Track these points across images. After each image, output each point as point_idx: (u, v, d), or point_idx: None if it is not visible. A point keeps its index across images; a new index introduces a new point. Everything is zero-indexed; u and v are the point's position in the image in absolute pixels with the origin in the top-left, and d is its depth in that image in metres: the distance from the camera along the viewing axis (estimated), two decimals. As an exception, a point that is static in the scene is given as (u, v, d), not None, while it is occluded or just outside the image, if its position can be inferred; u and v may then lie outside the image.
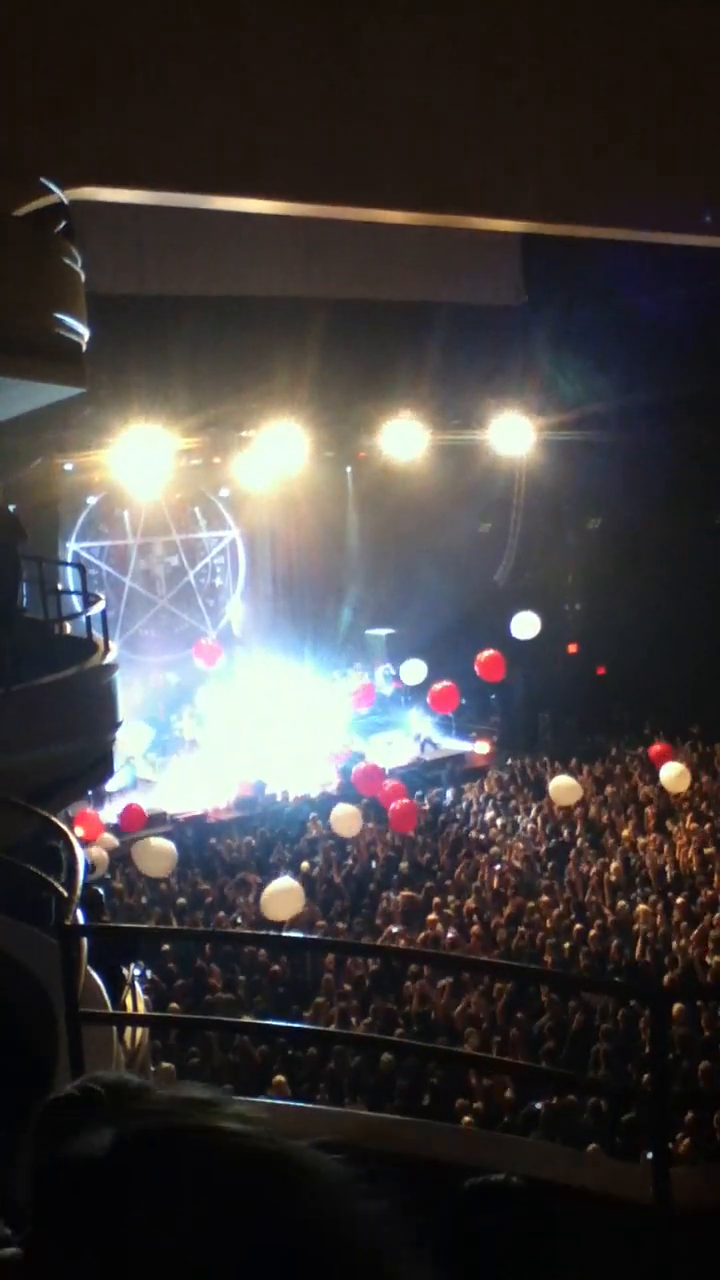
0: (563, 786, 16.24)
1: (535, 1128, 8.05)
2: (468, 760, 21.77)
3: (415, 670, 21.20)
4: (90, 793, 16.06)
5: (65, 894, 4.67)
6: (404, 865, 14.93)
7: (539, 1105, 8.36)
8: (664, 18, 9.12)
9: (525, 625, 20.04)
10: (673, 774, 16.02)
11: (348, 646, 24.35)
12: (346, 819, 15.22)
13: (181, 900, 13.57)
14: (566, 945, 11.79)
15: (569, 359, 23.81)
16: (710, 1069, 8.48)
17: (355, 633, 24.58)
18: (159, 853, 13.55)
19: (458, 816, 17.66)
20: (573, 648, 24.20)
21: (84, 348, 9.08)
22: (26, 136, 8.84)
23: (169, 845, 13.88)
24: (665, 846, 15.13)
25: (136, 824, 16.03)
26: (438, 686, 19.65)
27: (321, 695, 22.14)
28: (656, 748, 18.10)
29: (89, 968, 4.73)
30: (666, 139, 10.41)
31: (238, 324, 19.79)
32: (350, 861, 15.29)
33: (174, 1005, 10.27)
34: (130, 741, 17.71)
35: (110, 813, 17.95)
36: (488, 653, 19.66)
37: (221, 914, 13.10)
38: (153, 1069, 7.78)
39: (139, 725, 18.14)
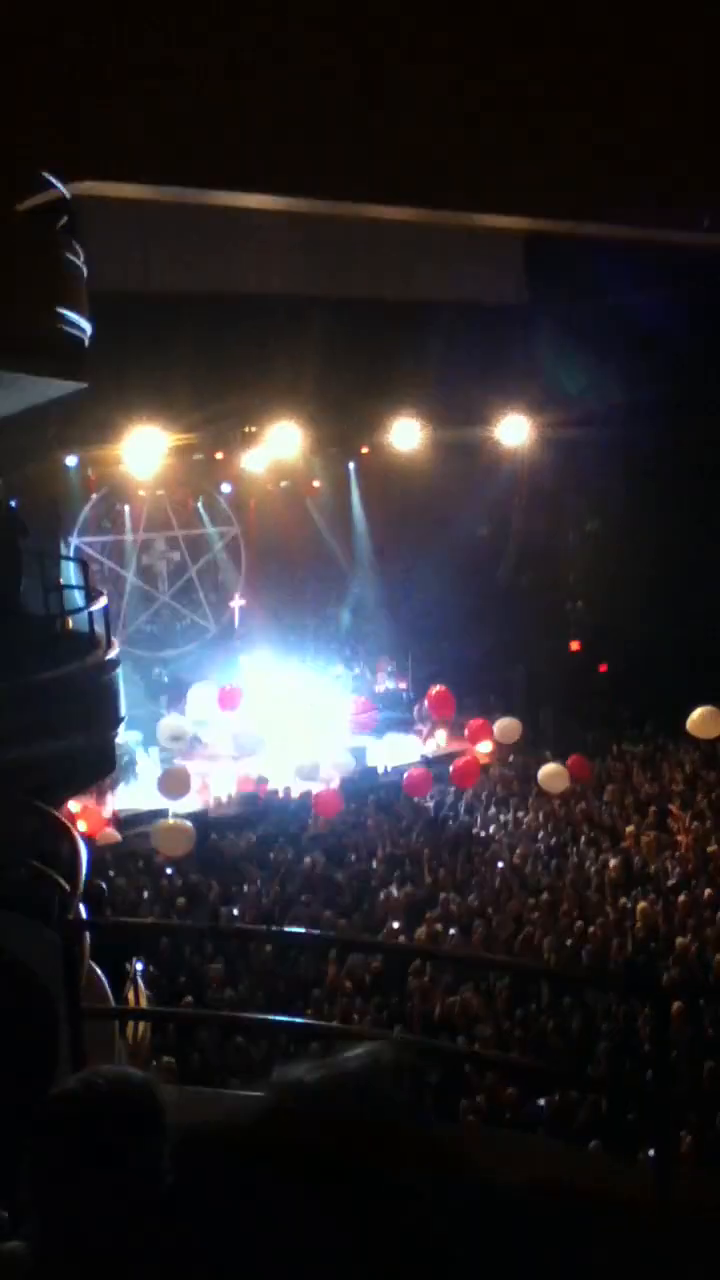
0: (550, 774, 16.30)
1: (538, 1126, 8.05)
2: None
3: (510, 730, 19.65)
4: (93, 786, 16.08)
5: (67, 889, 4.66)
6: (406, 862, 14.92)
7: (541, 1103, 8.35)
8: (666, 20, 9.11)
9: (507, 731, 19.61)
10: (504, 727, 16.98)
11: (349, 643, 24.34)
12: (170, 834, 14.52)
13: (181, 900, 13.54)
14: (568, 943, 11.78)
15: (570, 357, 23.79)
16: (713, 1068, 8.47)
17: (356, 629, 24.57)
18: (177, 833, 13.72)
19: (459, 814, 17.65)
20: (575, 645, 24.19)
21: (86, 343, 9.07)
22: (30, 131, 8.84)
23: (187, 825, 14.03)
24: (667, 844, 15.11)
25: (93, 826, 15.81)
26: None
27: (323, 691, 22.13)
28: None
29: (91, 963, 4.73)
30: (669, 139, 10.40)
31: (240, 320, 19.78)
32: (353, 858, 15.28)
33: (187, 1000, 10.24)
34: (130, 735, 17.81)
35: (111, 807, 17.97)
36: (437, 688, 20.24)
37: (223, 909, 13.10)
38: (154, 1063, 7.78)
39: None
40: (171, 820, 14.54)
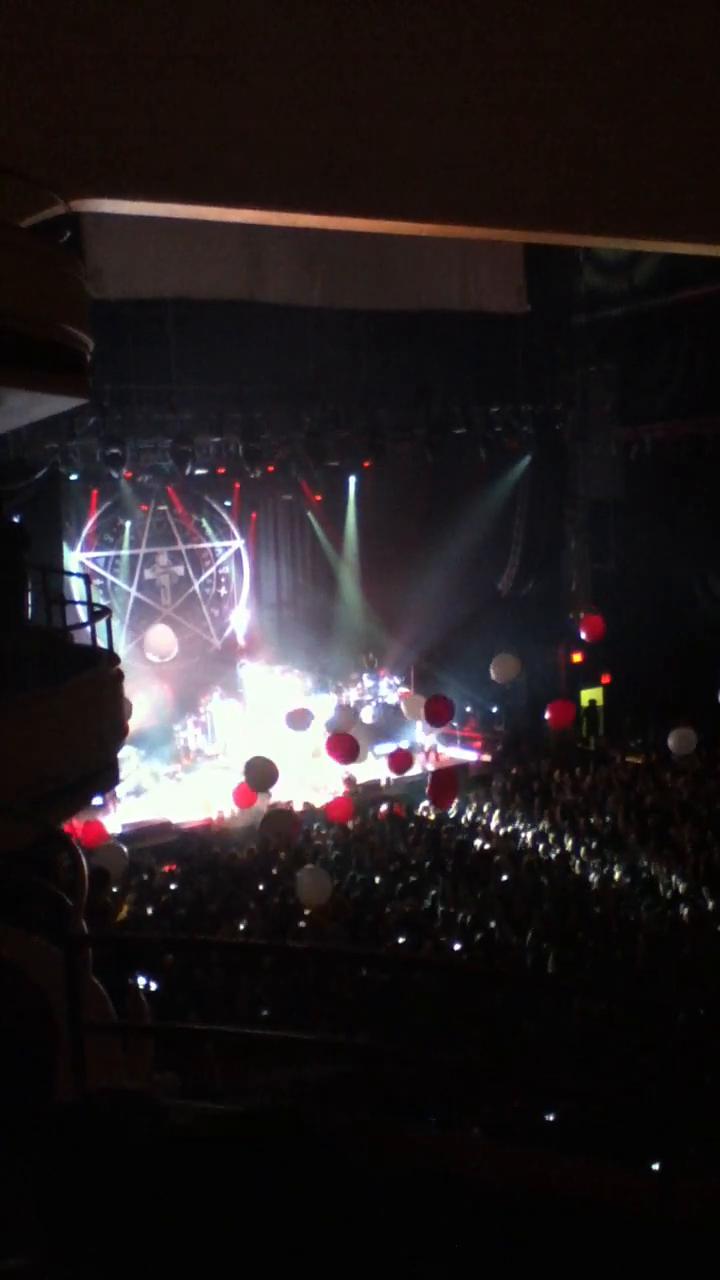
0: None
1: (543, 1137, 8.02)
2: (471, 769, 21.73)
3: (686, 740, 18.37)
4: (100, 800, 16.12)
5: (70, 902, 4.65)
6: (409, 875, 14.89)
7: (549, 1116, 8.32)
8: (664, 23, 9.14)
9: (683, 741, 18.61)
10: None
11: (352, 655, 24.33)
12: None
13: (181, 910, 13.52)
14: (572, 953, 11.75)
15: (572, 365, 23.85)
16: (717, 1080, 8.44)
17: (359, 641, 24.55)
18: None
19: (461, 825, 17.63)
20: (577, 656, 24.17)
21: (88, 357, 9.10)
22: (28, 147, 8.88)
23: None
24: (670, 854, 15.08)
25: (95, 839, 15.75)
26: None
27: (326, 704, 22.14)
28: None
29: (94, 978, 4.72)
30: (667, 146, 10.43)
31: (241, 331, 19.84)
32: (354, 872, 15.25)
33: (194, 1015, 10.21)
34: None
35: (114, 821, 18.00)
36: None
37: (227, 923, 13.07)
38: (155, 1078, 7.75)
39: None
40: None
